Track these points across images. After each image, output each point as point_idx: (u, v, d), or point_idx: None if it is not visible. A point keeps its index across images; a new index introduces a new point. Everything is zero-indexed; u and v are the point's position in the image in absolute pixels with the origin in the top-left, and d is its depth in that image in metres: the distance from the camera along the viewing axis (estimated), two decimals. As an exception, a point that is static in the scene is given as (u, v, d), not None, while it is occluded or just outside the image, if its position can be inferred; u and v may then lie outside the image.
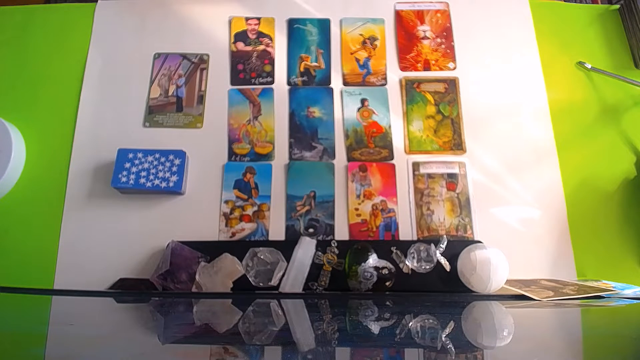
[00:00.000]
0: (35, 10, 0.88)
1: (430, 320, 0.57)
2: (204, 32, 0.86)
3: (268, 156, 0.79)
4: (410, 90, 0.83)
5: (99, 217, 0.75)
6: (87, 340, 0.47)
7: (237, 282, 0.68)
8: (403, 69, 0.84)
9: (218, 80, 0.83)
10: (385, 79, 0.84)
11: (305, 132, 0.80)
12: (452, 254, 0.70)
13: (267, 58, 0.85)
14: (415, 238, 0.74)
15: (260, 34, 0.86)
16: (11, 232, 0.75)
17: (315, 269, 0.70)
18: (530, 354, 0.46)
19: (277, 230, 0.75)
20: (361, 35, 0.87)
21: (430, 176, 0.78)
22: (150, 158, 0.74)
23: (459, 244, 0.71)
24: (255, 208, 0.76)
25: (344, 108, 0.82)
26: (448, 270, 0.70)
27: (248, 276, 0.69)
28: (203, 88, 0.83)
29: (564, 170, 0.78)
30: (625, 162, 0.79)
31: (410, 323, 0.56)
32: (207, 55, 0.85)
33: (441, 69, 0.84)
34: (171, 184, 0.73)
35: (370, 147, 0.79)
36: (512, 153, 0.79)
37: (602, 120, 0.81)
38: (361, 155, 0.79)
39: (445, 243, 0.71)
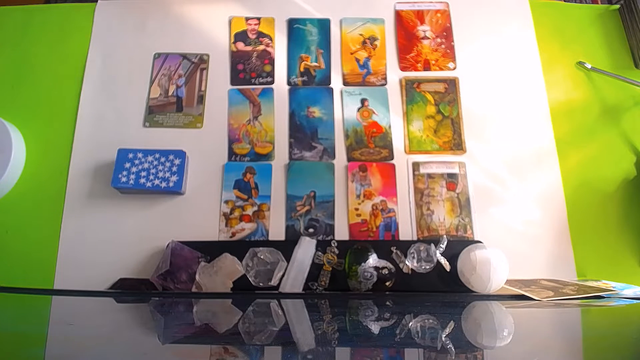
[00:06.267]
0: (35, 10, 0.88)
1: (430, 320, 0.57)
2: (204, 32, 0.86)
3: (268, 156, 0.79)
4: (410, 90, 0.83)
5: (99, 217, 0.75)
6: (87, 340, 0.47)
7: (237, 282, 0.68)
8: (403, 69, 0.84)
9: (218, 80, 0.83)
10: (385, 79, 0.84)
11: (305, 132, 0.80)
12: (452, 254, 0.70)
13: (267, 58, 0.85)
14: (415, 238, 0.74)
15: (260, 34, 0.86)
16: (11, 232, 0.75)
17: (315, 269, 0.70)
18: (530, 354, 0.46)
19: (277, 230, 0.75)
20: (361, 35, 0.86)
21: (430, 176, 0.78)
22: (150, 158, 0.74)
23: (459, 244, 0.71)
24: (255, 208, 0.76)
25: (344, 108, 0.82)
26: (448, 270, 0.70)
27: (248, 276, 0.69)
28: (203, 88, 0.83)
29: (564, 170, 0.78)
30: (625, 162, 0.79)
31: (410, 323, 0.56)
32: (207, 55, 0.85)
33: (441, 69, 0.84)
34: (171, 184, 0.73)
35: (370, 147, 0.79)
36: (512, 153, 0.79)
37: (602, 120, 0.81)
38: (361, 155, 0.79)
39: (445, 243, 0.71)
